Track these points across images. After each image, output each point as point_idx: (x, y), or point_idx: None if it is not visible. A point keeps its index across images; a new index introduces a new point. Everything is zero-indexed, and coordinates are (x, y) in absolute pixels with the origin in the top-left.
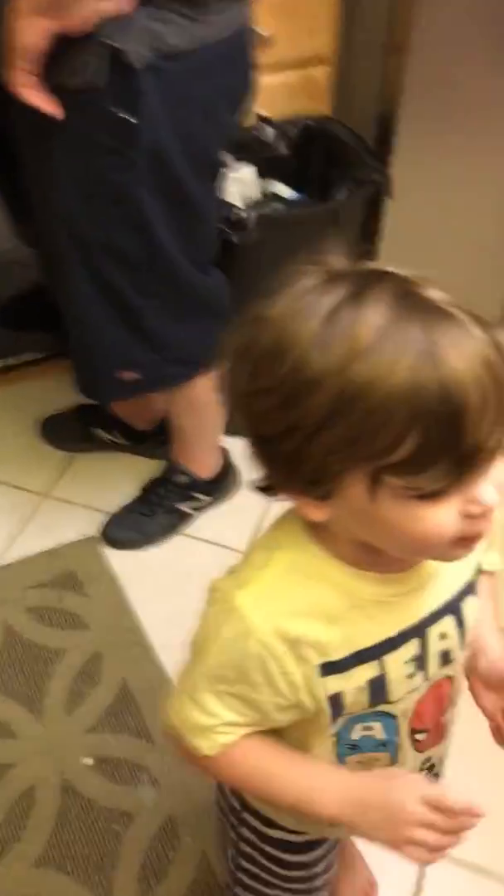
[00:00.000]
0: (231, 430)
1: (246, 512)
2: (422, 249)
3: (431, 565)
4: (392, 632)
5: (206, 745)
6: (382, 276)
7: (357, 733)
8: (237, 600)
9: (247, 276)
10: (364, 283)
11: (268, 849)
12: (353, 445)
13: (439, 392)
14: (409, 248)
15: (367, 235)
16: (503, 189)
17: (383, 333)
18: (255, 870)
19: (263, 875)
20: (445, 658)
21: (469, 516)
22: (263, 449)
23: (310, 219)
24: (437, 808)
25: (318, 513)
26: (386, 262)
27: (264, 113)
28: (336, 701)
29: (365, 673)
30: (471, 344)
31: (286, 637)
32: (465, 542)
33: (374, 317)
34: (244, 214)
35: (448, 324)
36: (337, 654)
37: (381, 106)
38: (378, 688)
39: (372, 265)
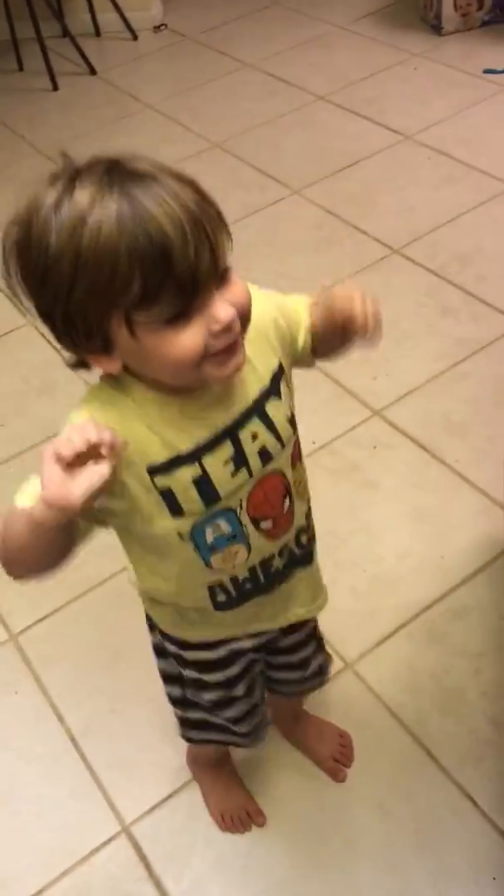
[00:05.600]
0: None
1: None
2: None
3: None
4: (203, 439)
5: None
6: (91, 163)
7: (210, 536)
8: (72, 415)
9: None
10: (76, 172)
11: (188, 672)
12: (98, 294)
13: (144, 236)
14: None
15: None
16: None
17: (91, 204)
18: (180, 694)
19: (190, 698)
20: (265, 455)
21: (213, 333)
22: (52, 324)
23: None
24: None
25: (112, 365)
26: None
27: None
28: (169, 496)
29: (187, 473)
30: (164, 193)
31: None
32: (219, 358)
33: (83, 195)
34: None
35: (145, 183)
36: (158, 458)
37: None
38: (205, 487)
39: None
